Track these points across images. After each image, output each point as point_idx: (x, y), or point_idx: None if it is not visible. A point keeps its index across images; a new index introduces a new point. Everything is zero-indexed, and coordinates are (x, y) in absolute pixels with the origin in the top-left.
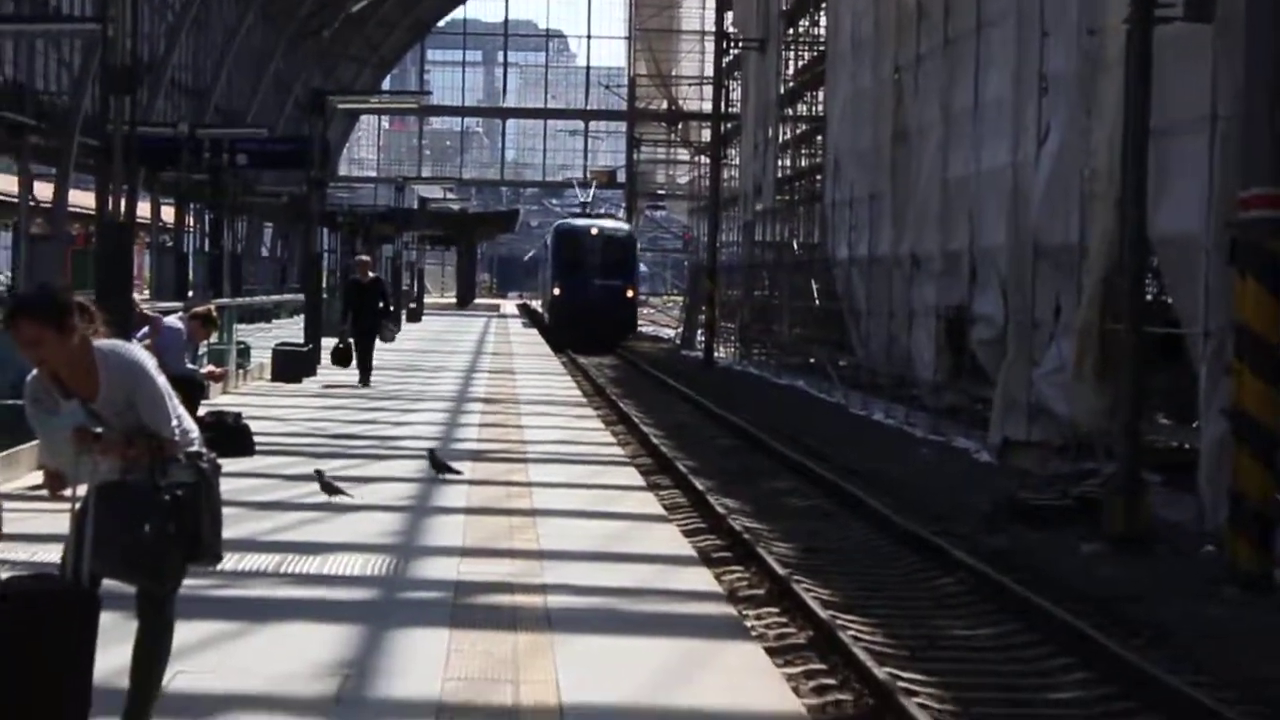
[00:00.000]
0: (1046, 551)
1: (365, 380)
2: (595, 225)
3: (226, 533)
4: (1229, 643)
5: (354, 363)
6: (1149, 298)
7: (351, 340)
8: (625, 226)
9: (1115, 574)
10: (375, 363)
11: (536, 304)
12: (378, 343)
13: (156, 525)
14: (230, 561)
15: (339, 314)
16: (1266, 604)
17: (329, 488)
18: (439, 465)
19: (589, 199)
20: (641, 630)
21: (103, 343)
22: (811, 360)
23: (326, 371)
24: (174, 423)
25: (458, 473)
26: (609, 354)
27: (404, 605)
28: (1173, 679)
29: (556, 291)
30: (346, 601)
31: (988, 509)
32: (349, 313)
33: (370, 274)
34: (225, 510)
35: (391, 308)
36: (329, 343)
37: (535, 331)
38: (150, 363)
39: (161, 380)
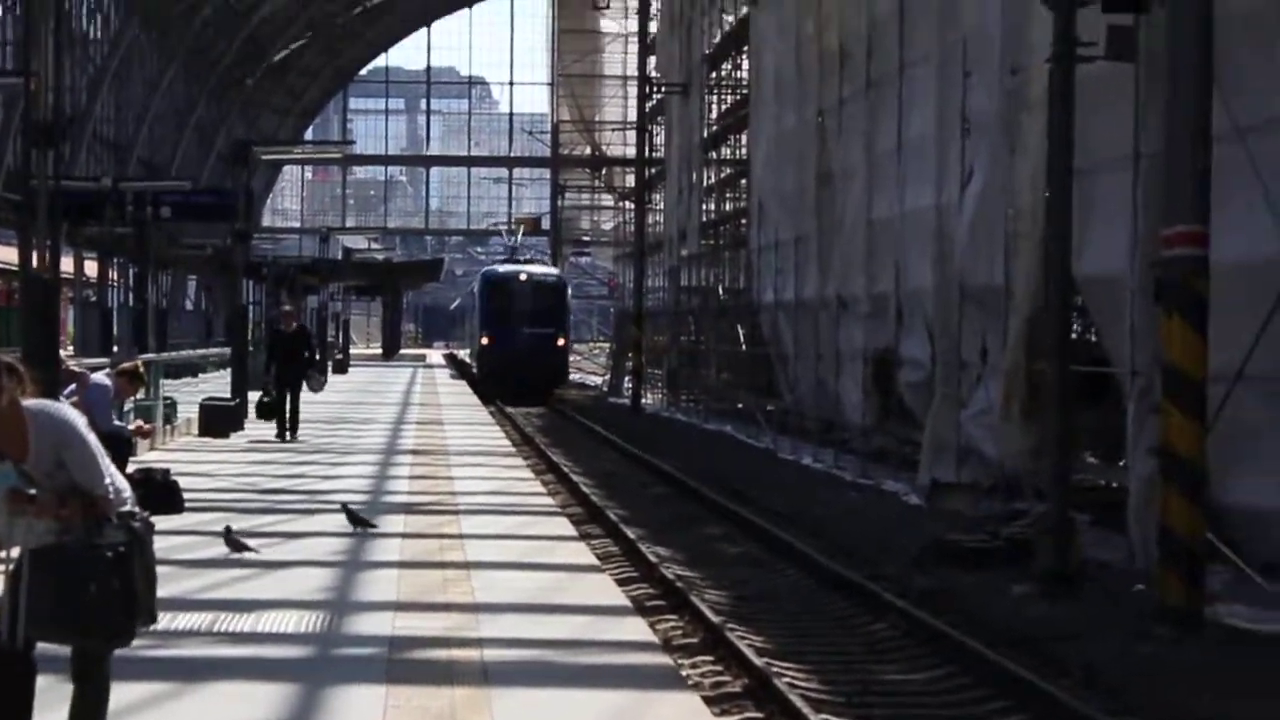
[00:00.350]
0: (977, 593)
1: (293, 434)
2: (524, 271)
3: (158, 591)
4: (1162, 681)
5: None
6: (1074, 336)
7: (275, 392)
8: (555, 272)
9: (1047, 614)
10: (303, 415)
11: (464, 354)
12: (305, 394)
13: (100, 584)
14: (163, 621)
15: (264, 366)
16: (1197, 642)
17: (235, 544)
18: (355, 519)
19: (516, 243)
20: (579, 682)
21: (31, 402)
22: (740, 405)
23: (254, 425)
24: (107, 481)
25: (373, 526)
26: (540, 405)
27: (339, 662)
28: (1107, 719)
29: (485, 341)
30: (281, 659)
31: (917, 552)
32: (273, 364)
33: (295, 324)
34: (158, 568)
35: (317, 357)
36: (257, 396)
37: (464, 383)
38: (80, 421)
39: (92, 439)
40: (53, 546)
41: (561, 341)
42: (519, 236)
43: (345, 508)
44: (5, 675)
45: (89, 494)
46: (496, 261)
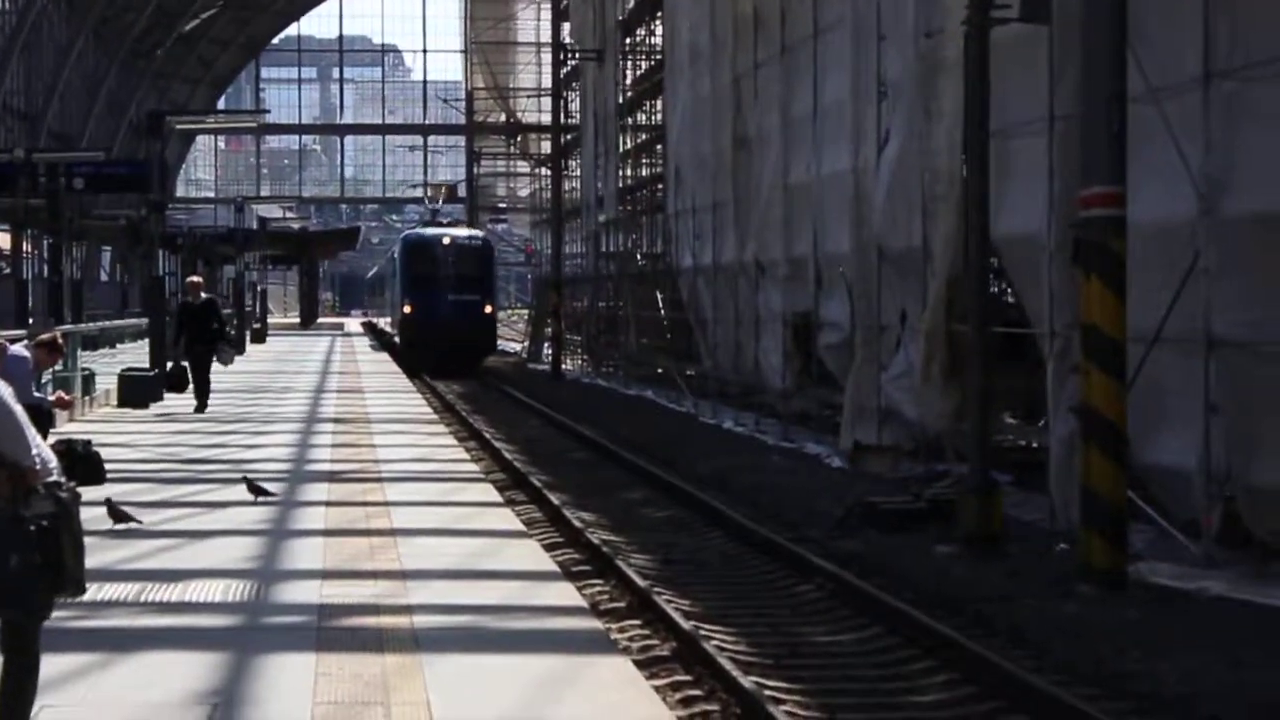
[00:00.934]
0: (901, 554)
1: (202, 406)
2: (447, 235)
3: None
4: (1087, 640)
5: (190, 388)
6: (992, 298)
7: (186, 364)
8: (480, 235)
9: (970, 575)
10: (220, 385)
11: (383, 322)
12: (215, 366)
13: (22, 556)
14: (90, 592)
15: (172, 338)
16: (1121, 600)
17: (117, 515)
18: (254, 489)
19: (439, 206)
20: (510, 647)
21: None
22: (660, 370)
23: (172, 397)
24: (34, 451)
25: (273, 495)
26: (467, 377)
27: (268, 630)
28: (1035, 678)
29: (407, 309)
30: (210, 629)
31: (841, 514)
32: (181, 336)
33: (203, 295)
34: (84, 539)
35: (228, 329)
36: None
37: (384, 354)
38: (7, 391)
39: (18, 409)
40: None
41: (489, 309)
42: (440, 201)
43: (246, 478)
44: None
45: (15, 464)
46: (417, 225)
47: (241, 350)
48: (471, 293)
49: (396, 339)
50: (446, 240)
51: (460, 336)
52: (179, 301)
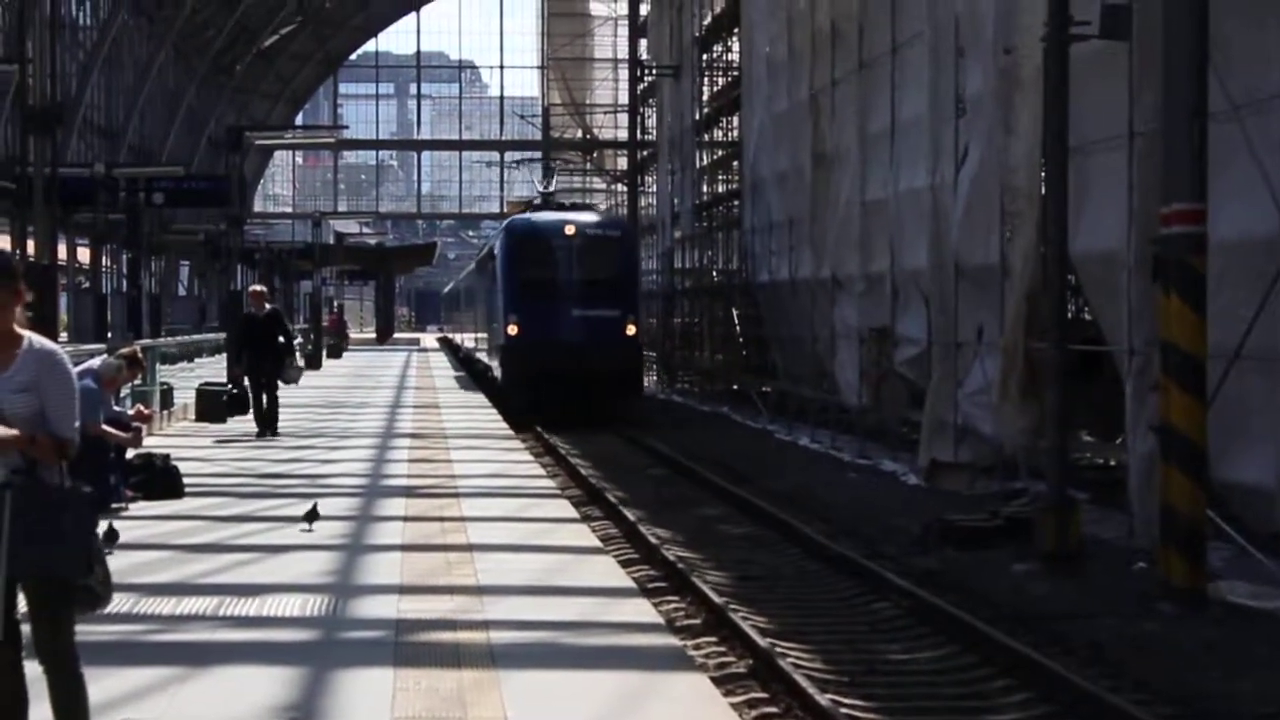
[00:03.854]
0: (978, 572)
1: (272, 430)
2: (572, 221)
3: (161, 576)
4: (1166, 658)
5: (251, 411)
6: (1070, 315)
7: (248, 384)
8: (618, 221)
9: (1048, 593)
10: (296, 400)
11: (466, 340)
12: (281, 386)
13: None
14: (168, 606)
15: (233, 356)
16: (1200, 619)
17: (312, 516)
18: (310, 516)
19: (551, 187)
20: (586, 663)
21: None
22: (735, 386)
23: (238, 421)
24: (76, 425)
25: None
26: (598, 429)
27: (346, 645)
28: (1114, 697)
29: (512, 330)
30: (288, 643)
31: (918, 531)
32: (243, 353)
33: (267, 305)
34: (160, 554)
35: (294, 343)
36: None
37: (478, 395)
38: (73, 369)
39: (76, 386)
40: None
41: (632, 329)
42: (554, 179)
43: (314, 507)
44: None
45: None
46: (521, 212)
47: (317, 366)
48: (608, 304)
49: (496, 372)
50: (570, 229)
51: (592, 368)
52: (240, 313)
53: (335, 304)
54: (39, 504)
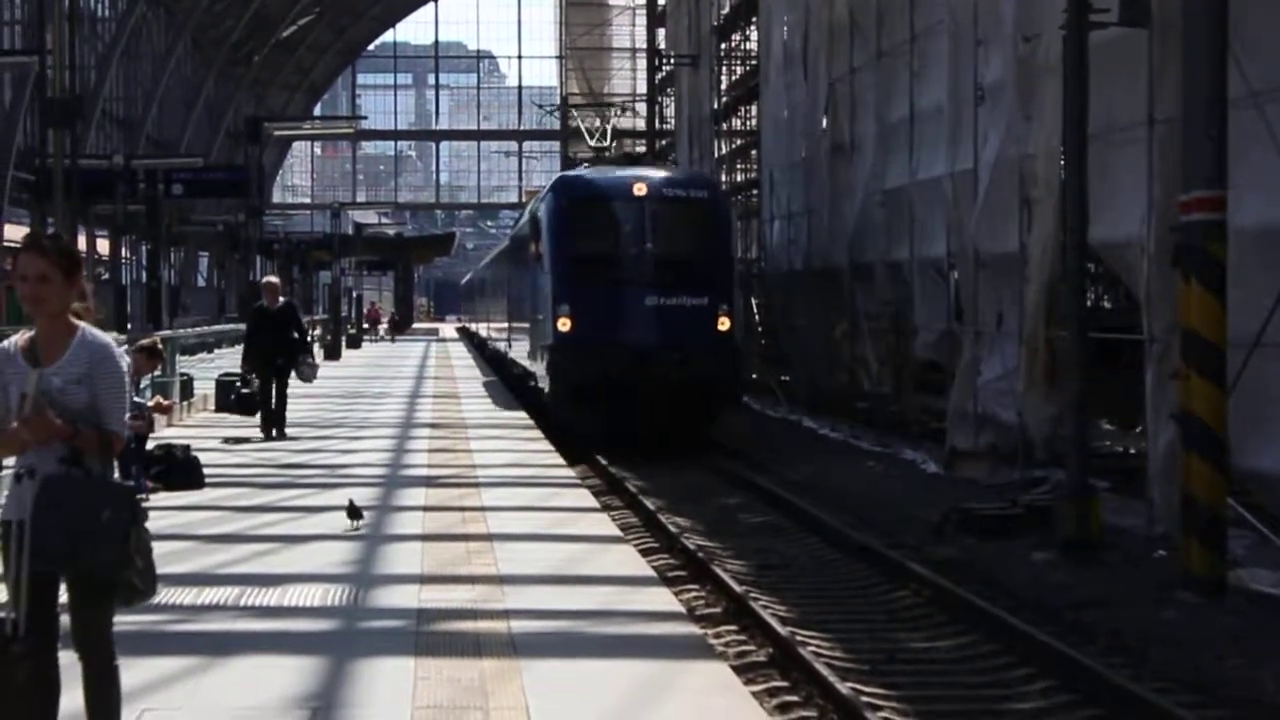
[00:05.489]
0: (999, 561)
1: (279, 432)
2: (642, 178)
3: (182, 567)
4: (1187, 647)
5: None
6: (1089, 303)
7: (259, 383)
8: (704, 178)
9: (1069, 581)
10: (316, 391)
11: (495, 337)
12: (294, 383)
13: (114, 512)
14: (189, 596)
15: (245, 351)
16: (1221, 607)
17: (355, 513)
18: (354, 512)
19: (608, 141)
20: (607, 652)
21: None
22: (754, 375)
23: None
24: (126, 416)
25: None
26: (681, 456)
27: (367, 635)
28: (1136, 685)
29: (563, 325)
30: (309, 633)
31: (937, 520)
32: (256, 348)
33: (280, 298)
34: (180, 544)
35: (309, 338)
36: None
37: (518, 410)
38: (125, 364)
39: (128, 382)
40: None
41: (726, 321)
42: (612, 121)
43: (351, 502)
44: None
45: (102, 428)
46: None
47: (337, 356)
48: (693, 290)
49: (541, 382)
50: (641, 187)
51: (673, 376)
52: (252, 307)
53: (372, 301)
54: (80, 497)
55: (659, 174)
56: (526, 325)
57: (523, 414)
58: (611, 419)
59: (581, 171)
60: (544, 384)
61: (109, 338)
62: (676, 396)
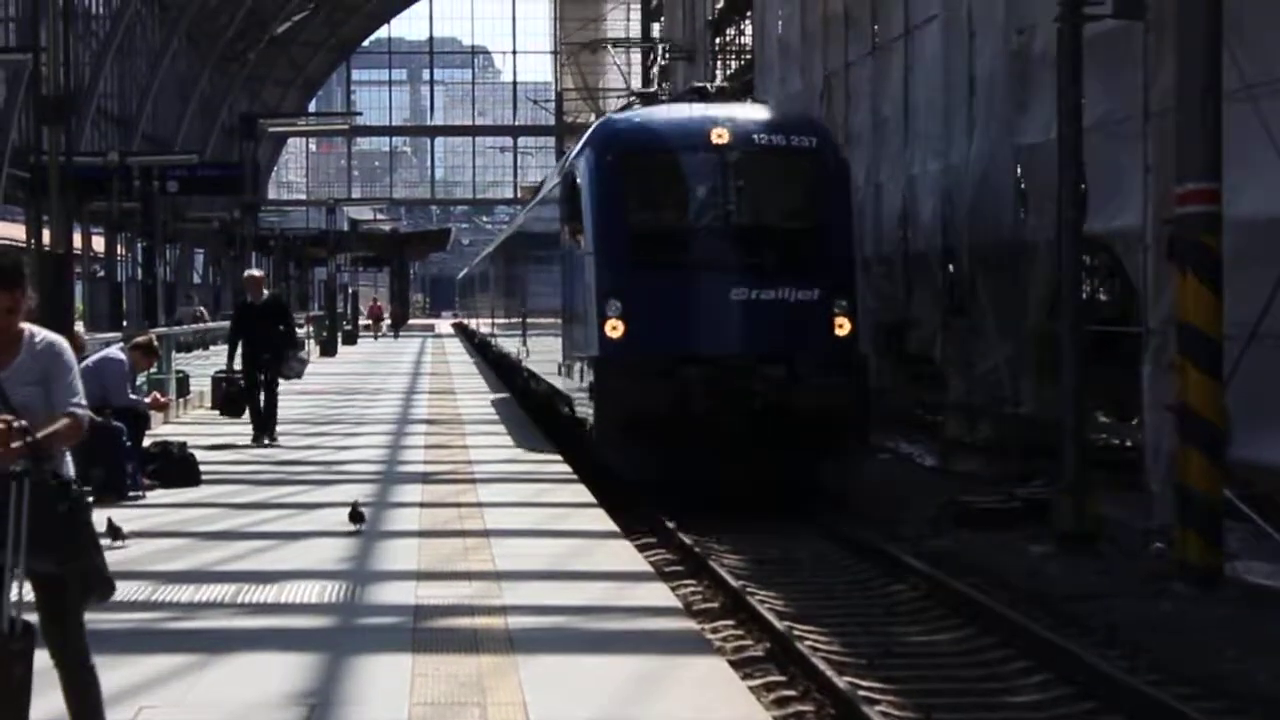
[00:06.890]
0: (995, 554)
1: (269, 433)
2: (723, 120)
3: (179, 564)
4: (1183, 639)
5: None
6: (1085, 295)
7: (244, 381)
8: (810, 121)
9: (1065, 574)
10: (310, 387)
11: (495, 329)
12: (282, 381)
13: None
14: (186, 593)
15: (229, 347)
16: (1217, 599)
17: (357, 516)
18: (356, 516)
19: (656, 81)
20: (605, 647)
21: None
22: None
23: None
24: (83, 401)
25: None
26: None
27: (364, 631)
28: (1131, 678)
29: (613, 330)
30: (306, 629)
31: (933, 514)
32: (241, 345)
33: (265, 291)
34: (177, 541)
35: (296, 332)
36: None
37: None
38: (72, 354)
39: (76, 366)
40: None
41: (845, 325)
42: (664, 52)
43: (355, 507)
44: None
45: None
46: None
47: (333, 353)
48: (798, 279)
49: (582, 408)
50: (721, 134)
51: (771, 395)
52: (237, 301)
53: (374, 298)
54: (39, 497)
55: (746, 114)
56: (553, 327)
57: (517, 408)
58: (680, 463)
59: (635, 114)
60: (583, 410)
61: (57, 336)
62: (777, 431)
